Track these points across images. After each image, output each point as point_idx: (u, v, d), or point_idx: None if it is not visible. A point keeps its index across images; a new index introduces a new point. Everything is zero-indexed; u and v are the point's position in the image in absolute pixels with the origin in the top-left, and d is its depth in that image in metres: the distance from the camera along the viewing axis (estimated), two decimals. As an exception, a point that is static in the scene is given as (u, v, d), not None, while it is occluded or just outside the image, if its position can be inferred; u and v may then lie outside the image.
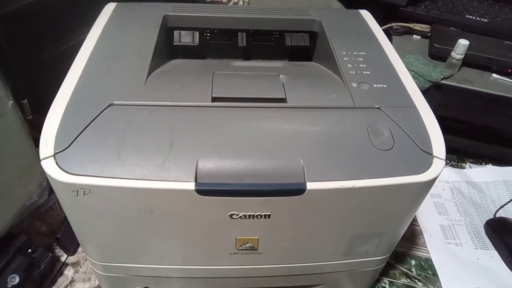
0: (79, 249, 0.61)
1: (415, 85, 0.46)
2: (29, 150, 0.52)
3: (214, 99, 0.42)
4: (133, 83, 0.43)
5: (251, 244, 0.43)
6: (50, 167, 0.35)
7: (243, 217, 0.39)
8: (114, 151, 0.36)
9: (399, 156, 0.39)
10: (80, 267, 0.59)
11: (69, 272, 0.59)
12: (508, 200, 0.72)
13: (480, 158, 0.82)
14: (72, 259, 0.60)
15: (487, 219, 0.69)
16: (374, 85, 0.45)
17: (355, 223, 0.43)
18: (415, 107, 0.43)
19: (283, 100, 0.43)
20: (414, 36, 0.80)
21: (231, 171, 0.37)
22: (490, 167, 0.80)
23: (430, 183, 0.39)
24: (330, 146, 0.39)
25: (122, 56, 0.46)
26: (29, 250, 0.54)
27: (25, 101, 0.56)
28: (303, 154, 0.38)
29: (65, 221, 0.58)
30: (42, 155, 0.36)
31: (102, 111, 0.39)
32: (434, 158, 0.39)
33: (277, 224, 0.41)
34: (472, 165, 0.81)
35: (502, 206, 0.71)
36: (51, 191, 0.59)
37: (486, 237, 0.67)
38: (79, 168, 0.35)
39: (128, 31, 0.50)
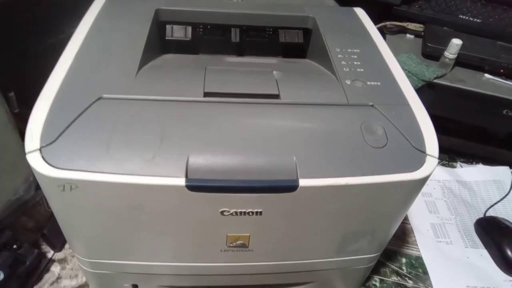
0: (66, 246, 0.60)
1: (408, 83, 0.46)
2: (15, 143, 0.51)
3: (206, 94, 0.41)
4: (123, 77, 0.42)
5: (242, 241, 0.43)
6: (35, 161, 0.34)
7: (234, 214, 0.38)
8: (102, 145, 0.36)
9: (392, 153, 0.39)
10: (67, 264, 0.58)
11: (55, 268, 0.58)
12: (498, 200, 0.72)
13: (471, 158, 0.82)
14: (59, 255, 0.59)
15: (478, 218, 0.70)
16: (368, 83, 0.45)
17: (348, 221, 0.42)
18: (408, 105, 0.43)
19: (276, 96, 0.42)
20: (408, 35, 0.80)
21: (223, 167, 0.36)
22: (480, 167, 0.80)
23: (423, 181, 0.39)
24: (323, 143, 0.39)
25: (112, 50, 0.45)
26: (15, 246, 0.53)
27: (12, 93, 0.55)
28: (295, 151, 0.38)
29: (52, 217, 0.57)
30: (27, 149, 0.35)
31: (91, 104, 0.38)
32: (427, 156, 0.39)
33: (269, 221, 0.40)
34: (463, 164, 0.81)
35: (492, 205, 0.71)
36: (38, 187, 0.58)
37: (476, 236, 0.68)
38: (65, 163, 0.34)
39: (119, 25, 0.49)
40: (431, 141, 0.40)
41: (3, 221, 0.53)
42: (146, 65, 0.45)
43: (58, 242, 0.59)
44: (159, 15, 0.53)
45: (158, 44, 0.52)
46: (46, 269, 0.57)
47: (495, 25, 0.78)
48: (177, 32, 0.54)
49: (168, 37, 0.54)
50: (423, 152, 0.39)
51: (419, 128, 0.41)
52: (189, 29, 0.54)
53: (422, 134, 0.40)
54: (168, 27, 0.54)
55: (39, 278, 0.56)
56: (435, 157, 0.39)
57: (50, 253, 0.59)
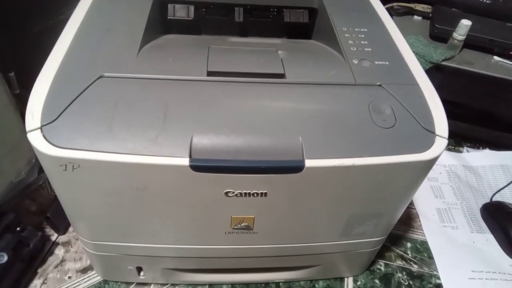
0: (70, 229, 0.60)
1: (417, 63, 0.45)
2: (17, 125, 0.50)
3: (209, 73, 0.40)
4: (125, 55, 0.41)
5: (246, 223, 0.42)
6: (36, 139, 0.34)
7: (238, 195, 0.38)
8: (104, 124, 0.35)
9: (401, 134, 0.38)
10: (71, 247, 0.58)
11: (59, 251, 0.58)
12: (504, 185, 0.72)
13: (478, 143, 0.81)
14: (62, 238, 0.59)
15: (484, 203, 0.69)
16: (376, 62, 0.44)
17: (354, 203, 0.42)
18: (417, 84, 0.42)
19: (281, 75, 0.41)
20: (415, 16, 0.79)
21: (227, 147, 0.36)
22: (487, 152, 0.79)
23: (432, 162, 0.38)
24: (330, 123, 0.38)
25: (113, 29, 0.44)
26: (18, 229, 0.53)
27: (12, 74, 0.54)
28: (302, 131, 0.37)
29: (55, 200, 0.56)
30: (28, 127, 0.34)
31: (92, 83, 0.37)
32: (436, 136, 0.38)
33: (274, 203, 0.40)
34: (469, 149, 0.80)
35: (498, 190, 0.71)
36: (40, 170, 0.57)
37: (482, 220, 0.67)
38: (67, 142, 0.34)
39: (119, 3, 0.48)
40: (440, 122, 0.39)
41: (6, 203, 0.53)
42: (148, 44, 0.44)
43: (62, 225, 0.59)
44: (160, -7, 0.51)
45: (160, 24, 0.51)
46: (50, 252, 0.57)
47: (505, 6, 0.76)
48: (179, 12, 0.53)
49: (170, 16, 0.52)
50: (432, 133, 0.38)
51: (428, 108, 0.40)
52: (192, 8, 0.53)
53: (432, 114, 0.39)
54: (170, 6, 0.52)
55: (43, 260, 0.56)
56: (444, 138, 0.38)
57: (54, 236, 0.59)
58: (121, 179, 0.36)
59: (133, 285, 0.54)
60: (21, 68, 0.56)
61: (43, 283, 0.54)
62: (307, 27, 0.55)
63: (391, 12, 0.78)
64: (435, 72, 0.68)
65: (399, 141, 0.37)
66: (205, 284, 0.55)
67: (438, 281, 0.59)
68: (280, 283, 0.57)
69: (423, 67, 0.67)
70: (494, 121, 0.78)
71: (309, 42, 0.54)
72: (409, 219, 0.67)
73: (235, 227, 0.42)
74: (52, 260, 0.57)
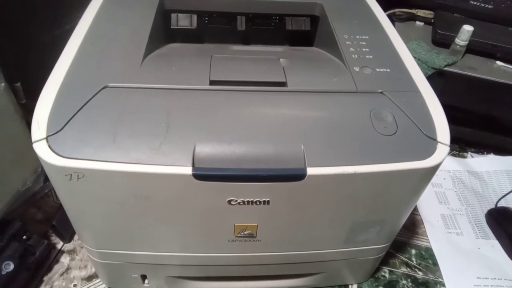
0: (75, 237, 0.60)
1: (419, 70, 0.45)
2: (23, 134, 0.51)
3: (212, 82, 0.41)
4: (129, 65, 0.41)
5: (249, 231, 0.42)
6: (42, 150, 0.34)
7: (241, 203, 0.38)
8: (109, 134, 0.35)
9: (402, 141, 0.38)
10: (76, 255, 0.59)
11: (65, 259, 0.58)
12: (510, 190, 0.71)
13: (482, 148, 0.81)
14: (68, 246, 0.60)
15: (489, 208, 0.69)
16: (377, 70, 0.44)
17: (356, 210, 0.42)
18: (419, 91, 0.42)
19: (283, 84, 0.42)
20: (417, 22, 0.79)
21: (230, 156, 0.36)
22: (492, 157, 0.79)
23: (434, 169, 0.38)
24: (332, 131, 0.38)
25: (117, 38, 0.45)
26: (24, 237, 0.53)
27: (18, 84, 0.54)
28: (303, 139, 0.37)
29: (61, 208, 0.57)
30: (34, 138, 0.35)
31: (97, 93, 0.38)
32: (438, 143, 0.38)
33: (276, 211, 0.40)
34: (473, 154, 0.80)
35: (504, 196, 0.70)
36: (46, 178, 0.58)
37: (487, 226, 0.67)
38: (72, 151, 0.34)
39: (124, 13, 0.49)
40: (442, 128, 0.39)
41: (12, 212, 0.54)
42: (151, 54, 0.45)
43: (67, 233, 0.59)
44: (164, 3, 0.52)
45: (163, 33, 0.52)
46: (56, 260, 0.58)
47: (507, 11, 0.76)
48: (182, 21, 0.54)
49: (173, 26, 0.53)
50: (434, 140, 0.38)
51: (429, 115, 0.40)
52: (195, 17, 0.54)
53: (433, 121, 0.39)
54: (173, 15, 0.53)
55: (49, 269, 0.57)
56: (446, 145, 0.38)
57: (59, 244, 0.60)
58: (125, 188, 0.37)
59: (138, 292, 0.55)
60: (27, 78, 0.56)
61: (49, 291, 0.54)
62: (309, 34, 0.56)
63: (393, 18, 0.78)
64: (437, 77, 0.68)
65: (400, 148, 0.37)
66: (209, 292, 0.55)
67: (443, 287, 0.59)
68: (284, 290, 0.57)
69: (426, 73, 0.67)
70: (498, 126, 0.77)
71: (310, 49, 0.54)
72: (413, 225, 0.67)
73: (238, 235, 0.43)
74: (57, 268, 0.57)
